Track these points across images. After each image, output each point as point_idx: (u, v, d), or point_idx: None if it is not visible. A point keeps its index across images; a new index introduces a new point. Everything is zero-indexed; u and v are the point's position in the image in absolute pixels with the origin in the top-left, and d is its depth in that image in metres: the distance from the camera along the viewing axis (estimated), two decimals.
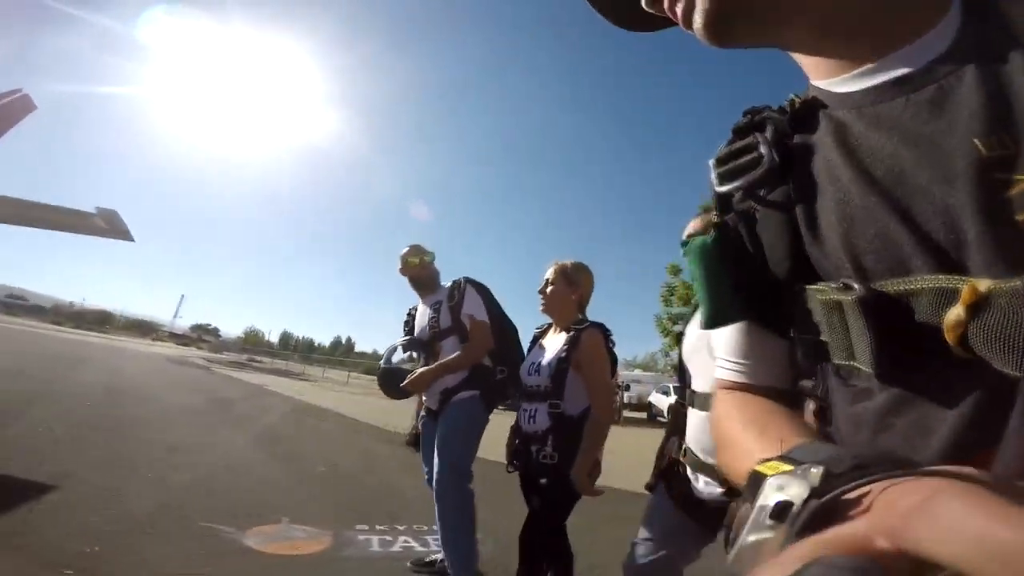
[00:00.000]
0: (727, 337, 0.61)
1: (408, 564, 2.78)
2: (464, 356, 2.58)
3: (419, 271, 2.87)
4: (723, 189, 0.54)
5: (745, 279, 0.52)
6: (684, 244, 0.62)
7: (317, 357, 52.65)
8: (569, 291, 2.25)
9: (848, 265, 0.41)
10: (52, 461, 3.62)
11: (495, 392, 2.65)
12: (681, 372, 1.63)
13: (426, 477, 2.66)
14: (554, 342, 2.19)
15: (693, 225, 1.60)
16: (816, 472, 0.28)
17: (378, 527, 3.31)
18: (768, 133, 0.52)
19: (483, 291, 2.76)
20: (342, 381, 25.45)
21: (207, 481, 3.90)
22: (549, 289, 2.25)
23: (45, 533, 2.44)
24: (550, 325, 2.33)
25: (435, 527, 2.88)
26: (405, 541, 3.17)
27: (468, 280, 2.79)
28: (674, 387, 1.98)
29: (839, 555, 0.22)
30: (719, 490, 1.41)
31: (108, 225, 7.48)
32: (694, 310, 1.72)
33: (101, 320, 64.43)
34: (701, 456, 1.49)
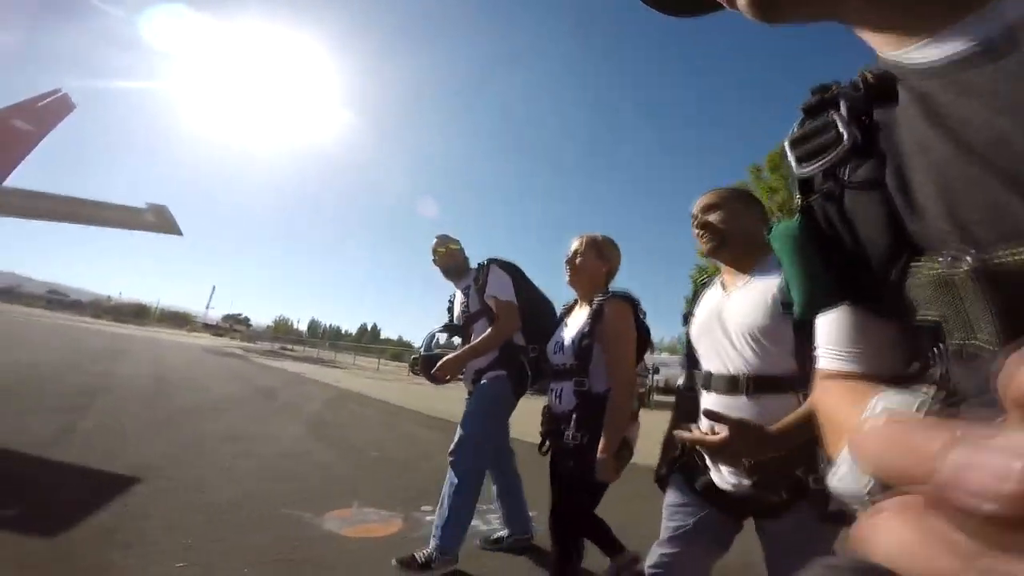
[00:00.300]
0: (827, 324, 0.59)
1: (477, 542, 2.81)
2: (489, 338, 2.59)
3: (447, 259, 2.93)
4: (803, 171, 0.53)
5: (840, 261, 0.50)
6: (769, 231, 0.62)
7: (345, 344, 53.54)
8: (599, 263, 2.16)
9: (955, 237, 0.39)
10: (126, 453, 3.74)
11: (524, 372, 2.65)
12: (689, 354, 1.53)
13: None
14: (579, 317, 2.09)
15: (701, 202, 1.53)
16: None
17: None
18: (844, 110, 0.50)
19: (510, 269, 2.76)
20: (372, 368, 25.80)
21: (272, 469, 3.99)
22: (578, 260, 2.14)
23: (145, 527, 2.51)
24: (575, 302, 2.23)
25: (493, 505, 3.00)
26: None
27: (492, 261, 2.80)
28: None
29: (839, 556, 0.21)
30: (746, 481, 1.31)
31: (158, 220, 7.70)
32: (699, 288, 1.62)
33: (137, 313, 66.35)
34: None
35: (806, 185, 0.54)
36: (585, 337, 1.96)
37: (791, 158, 0.54)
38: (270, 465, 4.11)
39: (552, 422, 2.11)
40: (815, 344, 1.11)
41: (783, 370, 1.26)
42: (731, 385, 1.34)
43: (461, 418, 2.62)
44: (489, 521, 3.16)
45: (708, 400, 1.39)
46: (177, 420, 5.51)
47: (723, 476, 1.36)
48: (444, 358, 2.61)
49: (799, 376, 1.21)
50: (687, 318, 1.59)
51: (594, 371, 1.95)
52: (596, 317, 1.97)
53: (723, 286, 1.49)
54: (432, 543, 2.38)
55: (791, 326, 1.24)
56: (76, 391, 6.12)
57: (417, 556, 2.35)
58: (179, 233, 8.01)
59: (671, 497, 1.51)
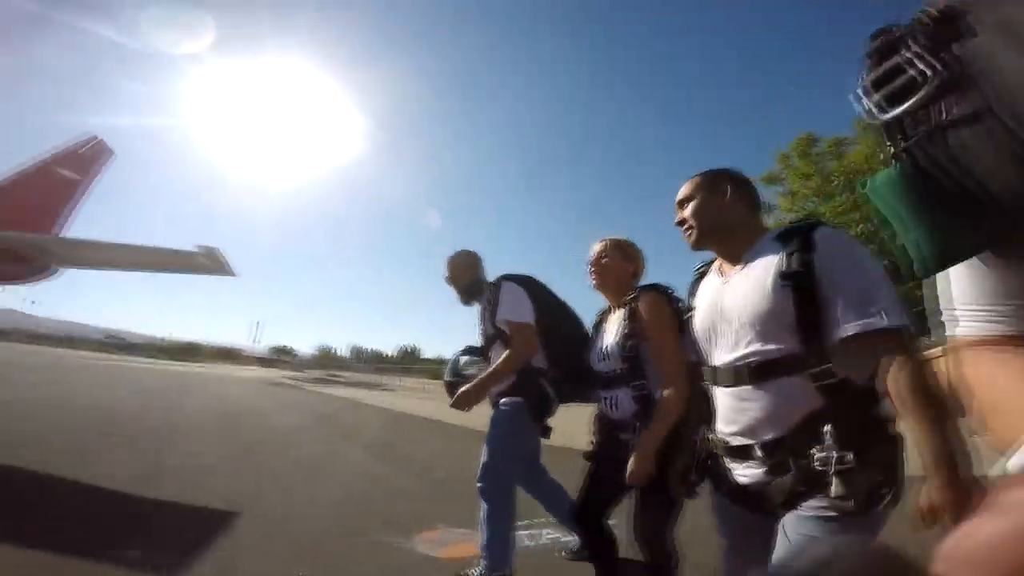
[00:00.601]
0: (962, 279, 0.53)
1: (562, 554, 2.84)
2: (503, 364, 2.43)
3: (457, 279, 2.79)
4: (890, 115, 0.50)
5: (965, 204, 0.46)
6: (862, 185, 0.57)
7: (388, 367, 54.24)
8: (626, 264, 2.12)
9: None
10: (217, 487, 3.86)
11: (545, 396, 2.49)
12: (695, 350, 1.45)
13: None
14: (615, 321, 2.01)
15: (678, 195, 1.47)
16: None
17: (518, 523, 3.35)
18: (920, 47, 0.47)
19: (526, 284, 2.57)
20: (419, 388, 26.07)
21: (351, 496, 4.08)
22: (604, 261, 2.09)
23: (261, 561, 2.59)
24: (608, 308, 2.15)
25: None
26: (549, 533, 3.21)
27: (504, 278, 2.62)
28: None
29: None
30: (761, 470, 1.26)
31: (211, 262, 7.95)
32: (697, 278, 1.53)
33: (189, 351, 68.94)
34: (733, 440, 1.32)
35: (893, 131, 0.51)
36: (629, 338, 1.88)
37: (868, 105, 0.52)
38: (348, 493, 4.19)
39: (606, 431, 2.05)
40: (831, 315, 1.14)
41: (786, 351, 1.20)
42: (735, 377, 1.29)
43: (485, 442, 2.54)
44: (569, 532, 3.13)
45: (718, 395, 1.35)
46: (252, 452, 5.66)
47: (740, 471, 1.32)
48: (462, 388, 2.50)
49: (805, 355, 1.18)
50: (685, 312, 1.53)
51: (651, 373, 1.86)
52: (633, 316, 1.90)
53: (720, 273, 1.43)
54: (482, 564, 2.40)
55: (792, 302, 1.18)
56: (153, 429, 6.36)
57: (471, 574, 2.40)
58: (232, 274, 8.24)
59: (715, 506, 1.46)
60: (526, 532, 3.22)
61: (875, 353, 1.11)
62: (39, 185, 9.24)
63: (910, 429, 1.07)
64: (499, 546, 2.42)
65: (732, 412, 1.31)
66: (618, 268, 2.11)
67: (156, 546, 2.64)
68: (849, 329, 1.12)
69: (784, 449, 1.20)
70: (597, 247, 2.16)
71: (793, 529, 1.20)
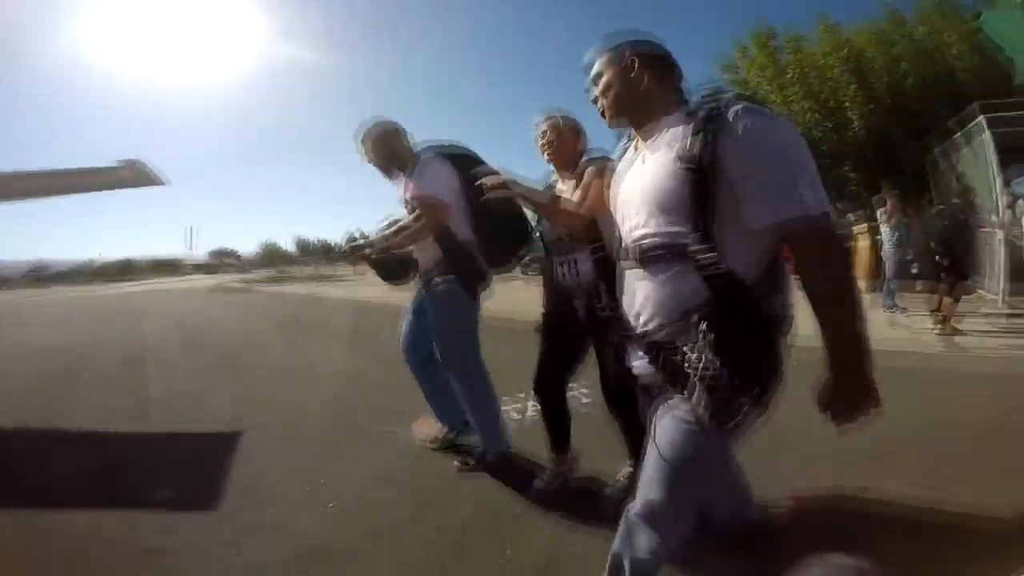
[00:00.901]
0: None
1: (456, 464, 2.75)
2: (401, 236, 2.41)
3: (378, 156, 2.57)
4: None
5: None
6: (975, 17, 0.53)
7: (337, 256, 53.25)
8: (578, 137, 2.17)
9: None
10: (210, 410, 3.95)
11: (477, 270, 2.48)
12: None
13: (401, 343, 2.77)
14: (567, 191, 2.06)
15: (595, 67, 1.37)
16: None
17: (511, 399, 3.57)
18: None
19: (450, 156, 2.46)
20: (373, 274, 25.87)
21: (342, 393, 4.27)
22: (556, 139, 2.13)
23: (278, 475, 2.72)
24: (555, 179, 2.22)
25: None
26: (535, 406, 3.23)
27: (424, 151, 2.50)
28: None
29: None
30: (644, 359, 1.26)
31: (135, 175, 7.32)
32: (624, 152, 1.45)
33: (124, 270, 65.28)
34: (630, 323, 1.30)
35: None
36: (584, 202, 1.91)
37: None
38: (336, 391, 4.35)
39: (559, 299, 2.12)
40: (741, 203, 1.06)
41: (678, 237, 1.15)
42: (631, 258, 1.27)
43: (432, 330, 2.57)
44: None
45: (625, 276, 1.33)
46: (231, 367, 5.66)
47: (633, 357, 1.32)
48: (363, 241, 2.48)
49: (695, 242, 1.12)
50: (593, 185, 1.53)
51: (608, 237, 1.82)
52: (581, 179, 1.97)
53: (635, 149, 1.37)
54: (481, 445, 2.59)
55: (690, 185, 1.11)
56: (123, 361, 6.17)
57: (473, 455, 2.59)
58: (161, 183, 7.65)
59: None
60: (512, 407, 3.46)
61: (796, 244, 1.07)
62: None
63: (820, 324, 1.06)
64: (490, 423, 2.56)
65: (629, 295, 1.30)
66: (572, 140, 2.15)
67: (178, 478, 2.73)
68: (762, 218, 1.06)
69: (660, 341, 1.20)
70: (543, 124, 2.17)
71: (659, 429, 1.22)
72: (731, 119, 1.08)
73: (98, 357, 6.54)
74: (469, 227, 2.45)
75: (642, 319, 1.24)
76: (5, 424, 3.67)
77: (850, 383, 1.07)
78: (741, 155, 1.07)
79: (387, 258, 2.51)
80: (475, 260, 2.47)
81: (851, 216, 11.25)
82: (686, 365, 1.13)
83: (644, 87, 1.29)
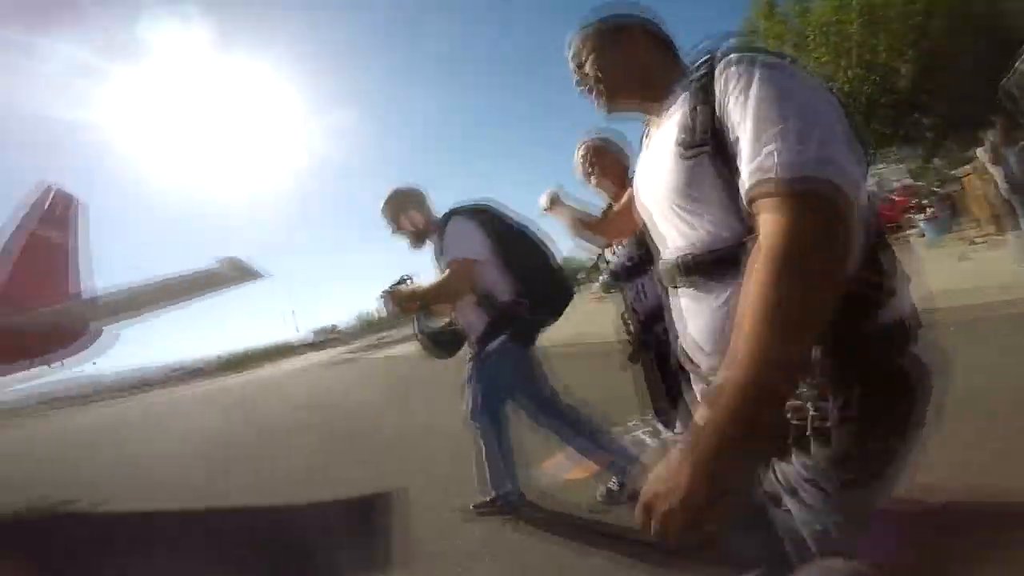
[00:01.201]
0: None
1: (597, 497, 2.68)
2: (431, 289, 2.40)
3: (408, 231, 2.59)
4: None
5: None
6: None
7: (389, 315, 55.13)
8: (621, 152, 2.17)
9: None
10: (370, 475, 3.97)
11: (524, 322, 2.40)
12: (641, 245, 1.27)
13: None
14: None
15: (576, 45, 1.10)
16: None
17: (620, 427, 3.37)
18: None
19: (478, 217, 2.42)
20: None
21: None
22: (598, 158, 2.15)
23: (451, 524, 2.70)
24: (609, 206, 2.15)
25: (649, 417, 2.70)
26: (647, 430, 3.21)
27: (452, 213, 2.46)
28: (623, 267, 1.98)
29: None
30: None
31: (236, 271, 7.55)
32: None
33: (244, 360, 70.71)
34: (684, 357, 1.02)
35: None
36: None
37: None
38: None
39: (644, 324, 2.09)
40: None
41: (719, 240, 0.85)
42: (670, 277, 0.97)
43: (473, 380, 2.52)
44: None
45: (672, 300, 1.02)
46: (378, 432, 5.70)
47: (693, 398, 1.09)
48: (400, 288, 2.44)
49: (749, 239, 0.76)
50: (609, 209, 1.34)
51: None
52: None
53: (648, 137, 1.08)
54: (492, 492, 2.59)
55: (710, 171, 0.81)
56: (277, 443, 6.41)
57: (486, 500, 2.61)
58: (261, 276, 7.82)
59: None
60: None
61: (762, 221, 0.72)
62: (36, 257, 8.78)
63: (735, 325, 0.68)
64: (495, 473, 2.56)
65: (680, 323, 0.99)
66: (616, 163, 2.15)
67: (376, 542, 2.73)
68: (745, 188, 0.74)
69: None
70: (584, 149, 2.19)
71: (787, 497, 0.88)
72: (717, 76, 0.82)
73: (341, 428, 6.77)
74: (510, 285, 2.40)
75: (703, 356, 0.93)
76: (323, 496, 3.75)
77: (720, 431, 0.63)
78: (730, 114, 0.79)
79: (436, 333, 2.57)
80: (523, 313, 2.39)
81: (935, 162, 10.49)
82: (799, 417, 0.80)
83: (649, 54, 1.04)
